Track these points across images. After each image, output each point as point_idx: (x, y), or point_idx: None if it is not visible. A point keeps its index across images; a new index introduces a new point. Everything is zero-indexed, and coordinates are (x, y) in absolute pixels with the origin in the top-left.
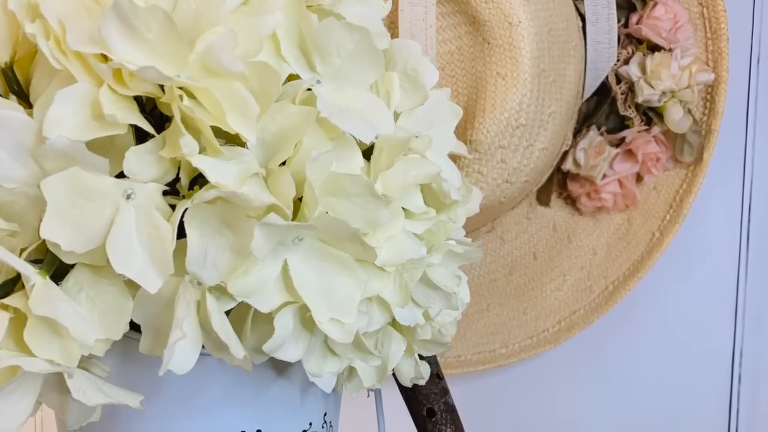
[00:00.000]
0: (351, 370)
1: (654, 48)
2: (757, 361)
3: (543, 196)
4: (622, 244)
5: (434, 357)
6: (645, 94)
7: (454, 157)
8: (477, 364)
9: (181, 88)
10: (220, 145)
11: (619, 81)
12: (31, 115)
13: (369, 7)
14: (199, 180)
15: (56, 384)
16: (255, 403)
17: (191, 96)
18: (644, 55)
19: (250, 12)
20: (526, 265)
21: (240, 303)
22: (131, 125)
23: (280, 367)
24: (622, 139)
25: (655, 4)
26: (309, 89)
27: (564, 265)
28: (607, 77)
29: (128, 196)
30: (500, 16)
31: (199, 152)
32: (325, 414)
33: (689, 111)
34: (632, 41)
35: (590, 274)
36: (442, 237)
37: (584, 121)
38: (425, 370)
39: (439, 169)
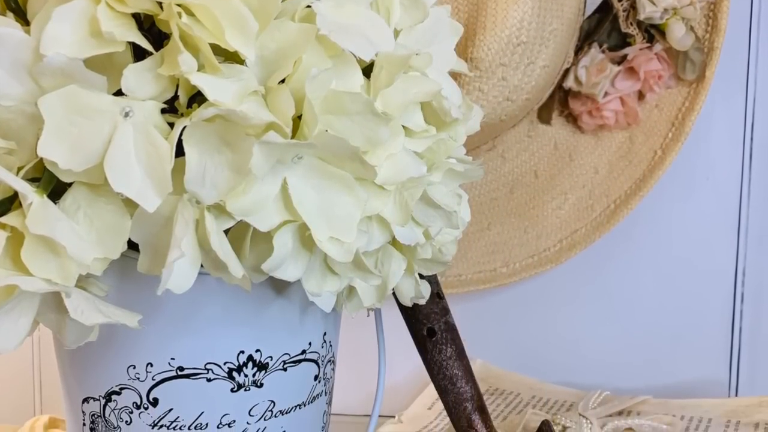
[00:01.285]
0: (351, 290)
1: None
2: (760, 280)
3: (544, 114)
4: (624, 162)
5: (434, 276)
6: (647, 11)
7: (455, 75)
8: (477, 284)
9: (179, 5)
10: (219, 62)
11: None
12: (28, 32)
13: None
14: (197, 98)
15: (54, 303)
16: (254, 323)
17: (190, 13)
18: None
19: None
20: (527, 184)
21: (239, 222)
22: (129, 43)
23: (279, 287)
24: (624, 57)
25: None
26: (308, 6)
27: (565, 183)
28: None
29: (126, 114)
30: None
31: (198, 70)
32: (325, 333)
33: (691, 28)
34: None
35: (592, 193)
36: (443, 155)
37: (586, 39)
38: (425, 289)
39: (439, 86)
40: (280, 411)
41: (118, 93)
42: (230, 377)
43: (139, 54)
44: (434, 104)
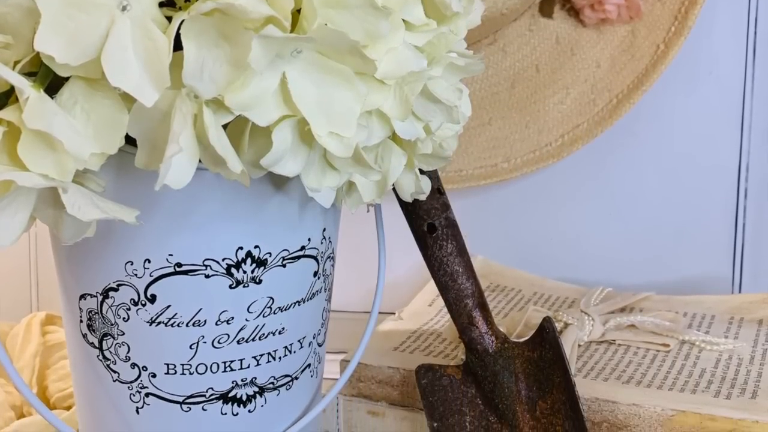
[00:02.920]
0: (350, 185)
1: None
2: (764, 175)
3: (546, 8)
4: (626, 56)
5: (435, 172)
6: None
7: None
8: (479, 179)
9: None
10: None
11: None
12: None
13: None
14: None
15: (50, 199)
16: (253, 219)
17: None
18: None
19: None
20: (529, 78)
21: (237, 117)
22: None
23: (278, 183)
24: None
25: None
26: None
27: (567, 78)
28: None
29: (124, 8)
30: None
31: None
32: (324, 229)
33: None
34: None
35: (594, 87)
36: (443, 49)
37: None
38: (426, 184)
39: None
40: (279, 308)
41: None
42: (229, 273)
43: None
44: None
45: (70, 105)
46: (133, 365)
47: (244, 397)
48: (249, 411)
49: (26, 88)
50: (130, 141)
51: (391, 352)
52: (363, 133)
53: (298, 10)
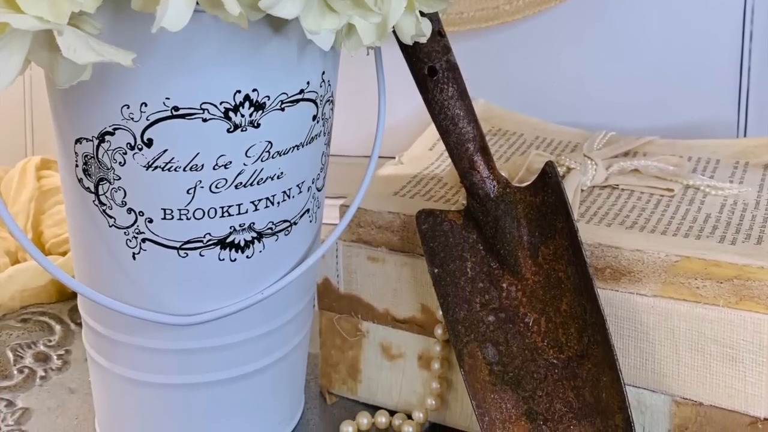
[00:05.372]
0: (350, 28)
1: None
2: None
3: None
4: None
5: (436, 14)
6: None
7: None
8: (480, 21)
9: None
10: None
11: None
12: None
13: None
14: None
15: (46, 42)
16: (251, 62)
17: None
18: None
19: None
20: None
21: None
22: None
23: (276, 25)
24: None
25: None
26: None
27: None
28: None
29: None
30: None
31: None
32: (323, 72)
33: None
34: None
35: None
36: None
37: None
38: (426, 27)
39: None
40: (278, 152)
41: None
42: (226, 117)
43: None
44: None
45: None
46: (130, 210)
47: (242, 243)
48: (247, 257)
49: None
50: None
51: (391, 197)
52: None
53: None
